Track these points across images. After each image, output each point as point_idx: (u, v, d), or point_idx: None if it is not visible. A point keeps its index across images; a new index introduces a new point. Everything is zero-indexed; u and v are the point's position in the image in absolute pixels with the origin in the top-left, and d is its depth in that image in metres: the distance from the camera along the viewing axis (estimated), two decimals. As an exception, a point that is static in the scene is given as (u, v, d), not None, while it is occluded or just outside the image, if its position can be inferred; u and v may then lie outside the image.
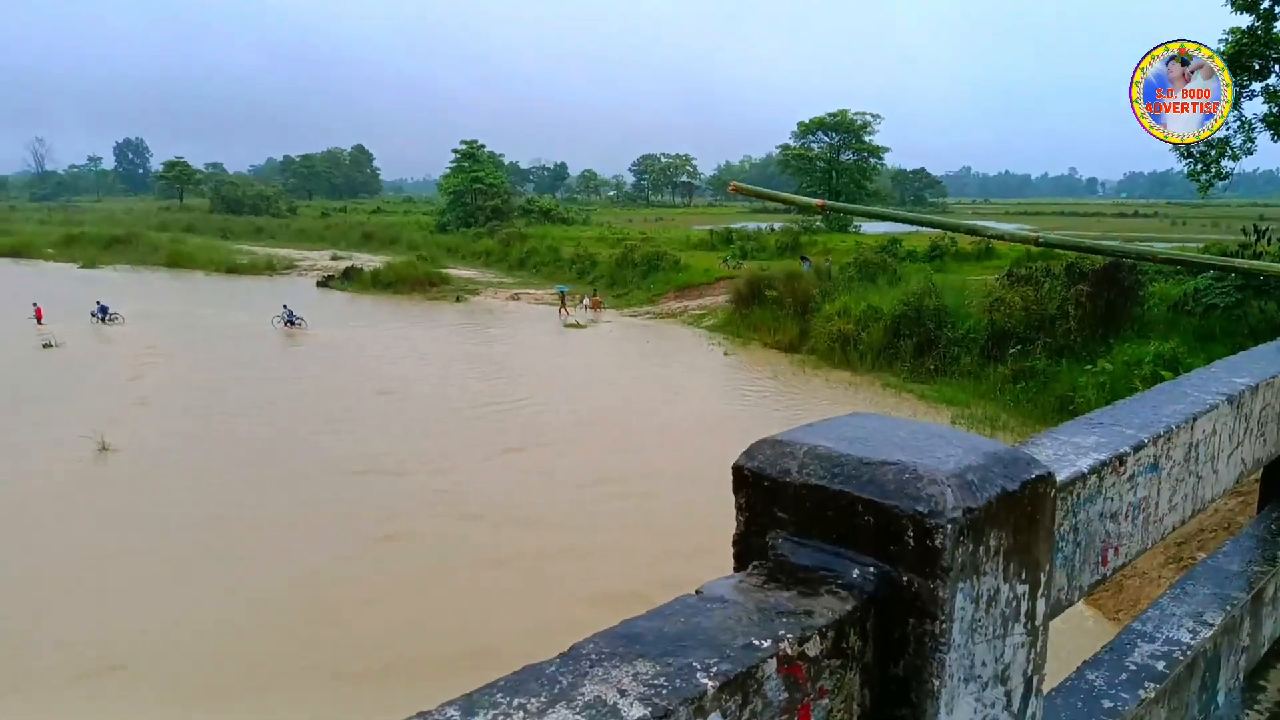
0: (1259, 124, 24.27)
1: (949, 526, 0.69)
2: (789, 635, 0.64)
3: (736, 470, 0.82)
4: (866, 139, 73.99)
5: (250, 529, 13.57)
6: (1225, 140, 24.65)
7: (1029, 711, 0.82)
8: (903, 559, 0.71)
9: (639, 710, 0.54)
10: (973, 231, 2.86)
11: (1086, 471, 1.01)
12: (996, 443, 0.83)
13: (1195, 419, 1.24)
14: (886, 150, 75.90)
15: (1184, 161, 25.48)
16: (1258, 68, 23.64)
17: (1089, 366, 19.85)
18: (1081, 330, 21.64)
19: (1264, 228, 21.64)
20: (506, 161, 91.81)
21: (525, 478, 16.14)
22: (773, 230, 53.95)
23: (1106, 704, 1.20)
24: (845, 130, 73.42)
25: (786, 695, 0.64)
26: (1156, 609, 1.47)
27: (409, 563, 12.53)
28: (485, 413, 20.99)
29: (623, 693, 0.56)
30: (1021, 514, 0.77)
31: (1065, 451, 1.06)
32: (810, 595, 0.70)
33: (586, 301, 37.41)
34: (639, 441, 18.43)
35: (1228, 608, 1.47)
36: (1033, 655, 0.82)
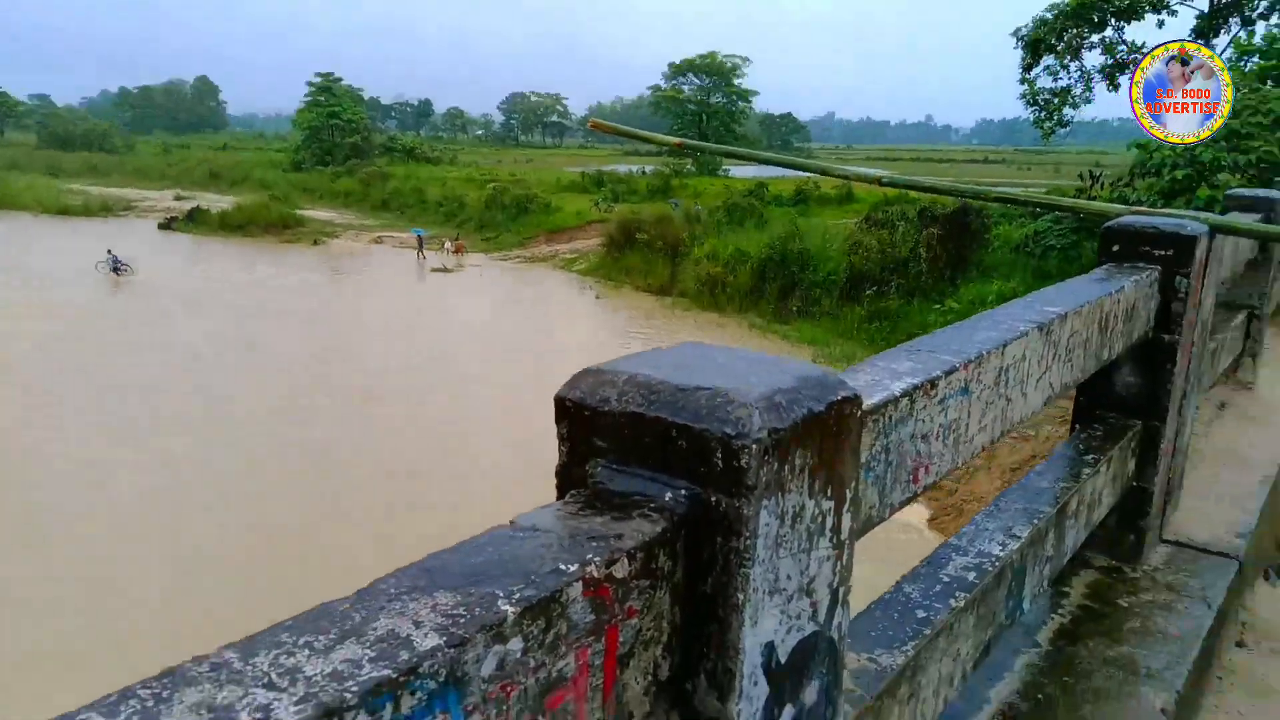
0: (1097, 75, 25.88)
1: (754, 446, 0.70)
2: (596, 559, 0.65)
3: (558, 401, 0.82)
4: (736, 83, 74.52)
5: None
6: (1066, 89, 26.21)
7: (835, 621, 0.86)
8: (712, 480, 0.72)
9: (433, 640, 0.53)
10: (824, 172, 2.92)
11: (899, 395, 1.06)
12: (808, 365, 0.85)
13: (1006, 345, 1.32)
14: (755, 94, 76.71)
15: (1030, 110, 26.97)
16: (1097, 20, 25.08)
17: (938, 306, 21.00)
18: (932, 272, 22.79)
19: (1098, 172, 23.20)
20: (367, 97, 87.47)
21: (387, 428, 15.78)
22: (644, 173, 53.82)
23: (920, 614, 1.28)
24: (715, 73, 73.66)
25: (593, 617, 0.64)
26: (972, 525, 1.57)
27: (260, 517, 12.11)
28: (338, 363, 20.28)
29: (418, 624, 0.55)
30: (828, 434, 0.80)
31: (881, 377, 1.11)
32: (622, 519, 0.71)
33: (449, 245, 36.28)
34: (505, 384, 18.29)
35: (1034, 521, 1.59)
36: (839, 568, 0.86)
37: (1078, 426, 2.17)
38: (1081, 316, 1.63)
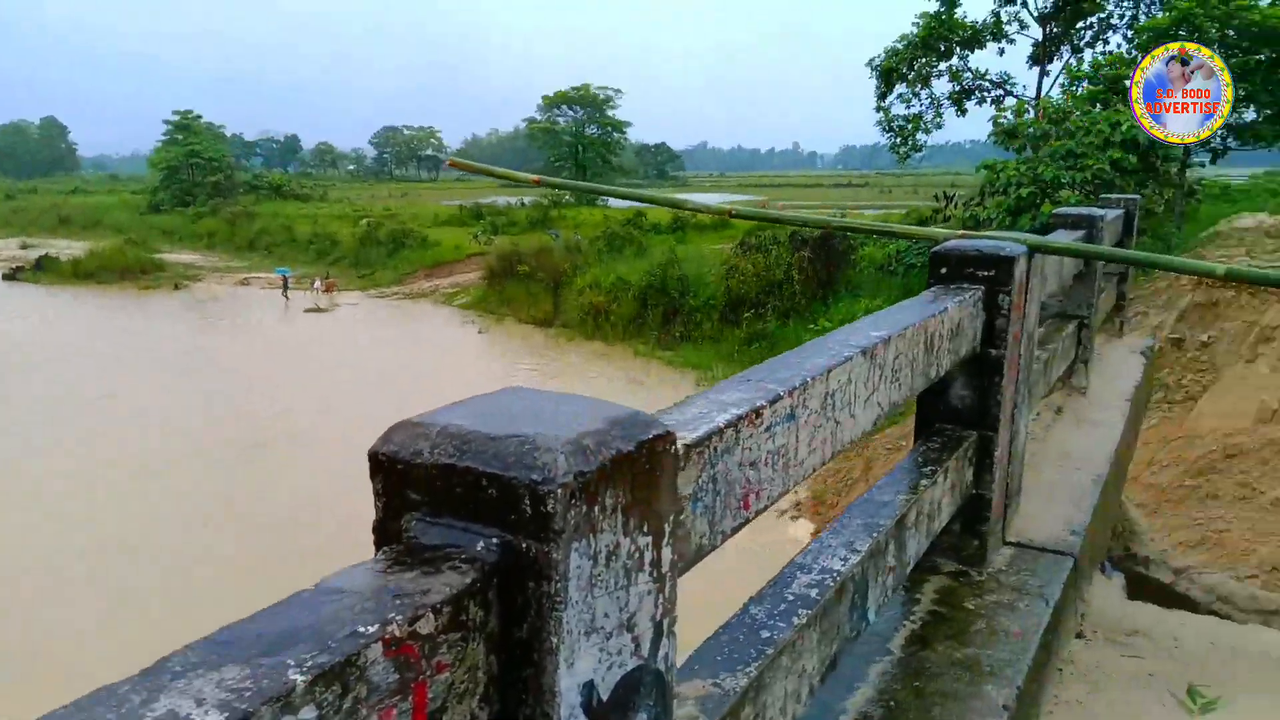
0: (946, 101, 27.51)
1: (559, 491, 0.72)
2: (398, 617, 0.65)
3: (372, 456, 0.82)
4: (609, 114, 75.60)
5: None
6: (919, 115, 27.74)
7: (661, 653, 0.89)
8: (521, 526, 0.74)
9: (214, 717, 0.53)
10: (675, 205, 2.99)
11: (723, 426, 1.10)
12: (621, 408, 0.88)
13: (830, 370, 1.39)
14: (629, 125, 78.00)
15: (886, 135, 28.41)
16: (943, 49, 26.71)
17: (811, 325, 21.75)
18: (805, 292, 23.61)
19: (952, 193, 24.59)
20: (229, 134, 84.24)
21: (259, 477, 15.09)
22: (523, 205, 53.77)
23: (765, 634, 1.32)
24: (588, 105, 74.54)
25: (397, 676, 0.64)
26: (818, 543, 1.64)
27: (126, 579, 11.35)
28: (203, 412, 19.32)
29: (200, 702, 0.54)
30: (640, 472, 0.83)
31: (709, 409, 1.15)
32: (432, 573, 0.71)
33: (319, 284, 35.05)
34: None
35: (874, 535, 1.68)
36: (661, 601, 0.88)
37: (918, 440, 2.29)
38: (906, 339, 1.73)
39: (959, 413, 2.31)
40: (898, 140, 27.28)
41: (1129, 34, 23.60)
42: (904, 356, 1.74)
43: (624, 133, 78.43)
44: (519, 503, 0.73)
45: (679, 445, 1.03)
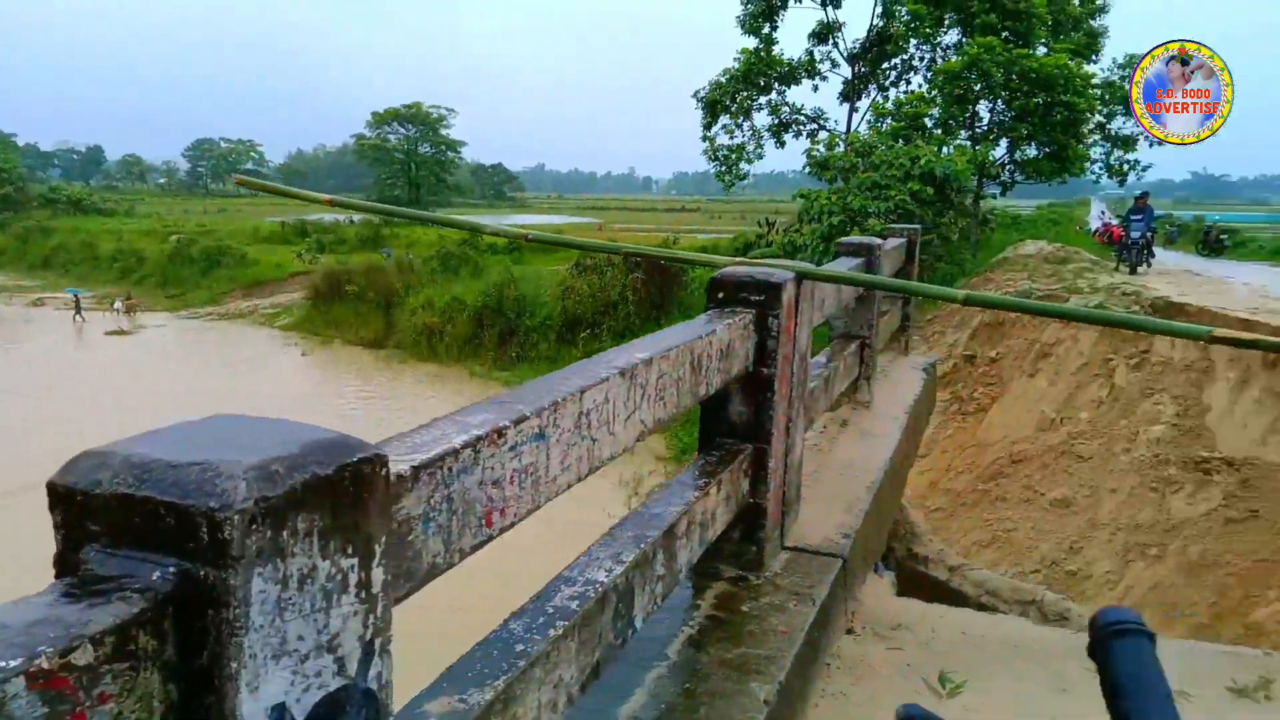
0: (766, 133, 28.89)
1: (237, 517, 0.73)
2: (48, 649, 0.64)
3: (50, 487, 0.80)
4: (443, 132, 74.51)
5: None
6: (741, 146, 28.99)
7: (372, 671, 0.91)
8: (199, 554, 0.74)
9: None
10: (475, 229, 3.02)
11: (460, 446, 1.13)
12: (327, 432, 0.89)
13: (584, 391, 1.46)
14: (463, 144, 77.15)
15: (712, 164, 29.51)
16: (763, 84, 28.07)
17: (647, 345, 22.23)
18: (639, 313, 24.10)
19: (774, 220, 25.83)
20: (21, 143, 76.83)
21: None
22: (353, 222, 51.95)
23: (520, 647, 1.36)
24: (420, 123, 73.16)
25: (46, 710, 0.63)
26: (587, 556, 1.70)
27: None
28: None
29: None
30: (342, 495, 0.85)
31: (449, 430, 1.18)
32: (99, 604, 0.70)
33: (119, 304, 32.45)
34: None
35: (642, 545, 1.75)
36: (372, 621, 0.90)
37: (700, 453, 2.41)
38: (670, 359, 1.83)
39: (736, 427, 2.45)
40: (723, 169, 28.40)
41: (928, 74, 25.66)
42: (668, 376, 1.83)
43: (459, 152, 77.49)
44: (196, 530, 0.73)
45: (407, 467, 1.06)
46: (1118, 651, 0.88)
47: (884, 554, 4.49)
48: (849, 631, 2.66)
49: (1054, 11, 24.46)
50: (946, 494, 11.16)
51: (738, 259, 2.55)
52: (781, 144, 28.15)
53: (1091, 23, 26.78)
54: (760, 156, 28.56)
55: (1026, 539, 9.91)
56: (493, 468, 1.21)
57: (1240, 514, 8.71)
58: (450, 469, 1.12)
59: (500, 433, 1.22)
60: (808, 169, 22.22)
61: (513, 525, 1.29)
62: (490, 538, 1.22)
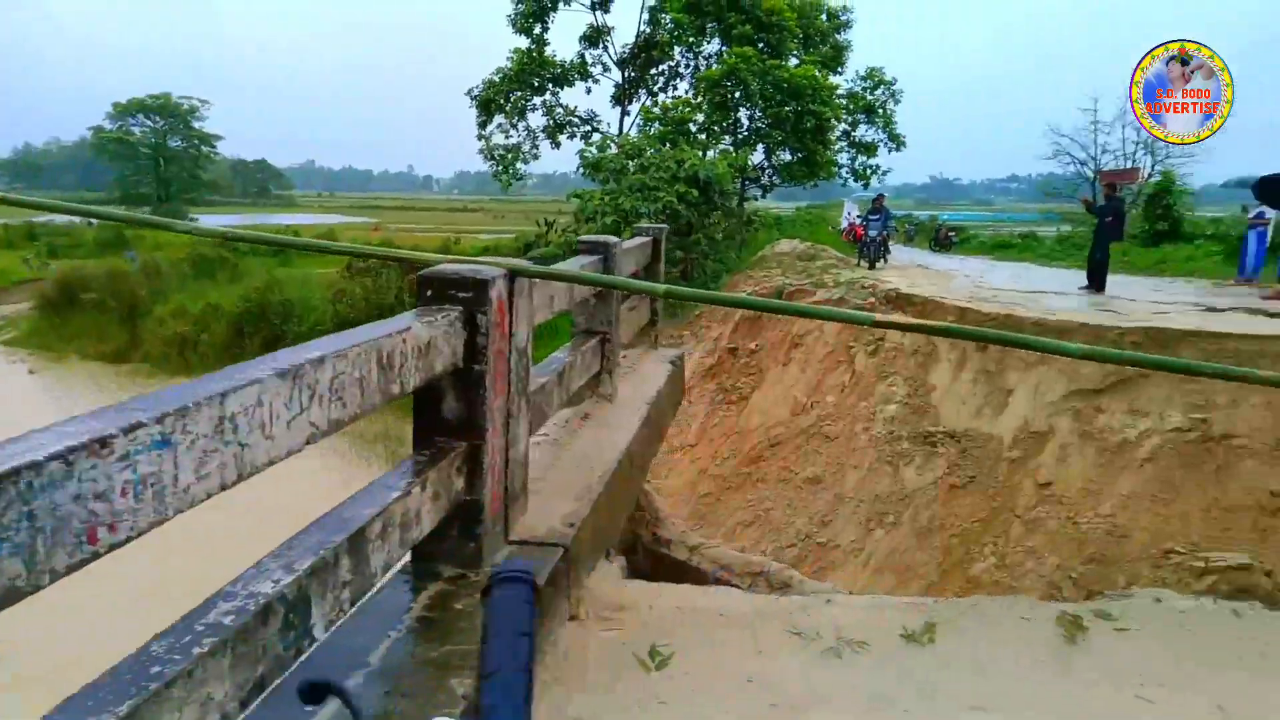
0: (541, 134, 29.02)
1: None
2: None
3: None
4: (197, 125, 68.72)
5: None
6: (517, 146, 28.97)
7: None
8: None
9: None
10: (167, 228, 2.79)
11: (44, 459, 1.05)
12: None
13: (225, 395, 1.40)
14: (219, 138, 71.55)
15: (489, 163, 29.27)
16: (536, 84, 28.16)
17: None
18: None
19: (552, 220, 25.98)
20: None
21: None
22: (91, 224, 46.71)
23: (157, 669, 1.29)
24: (170, 114, 67.04)
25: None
26: (256, 567, 1.63)
27: None
28: None
29: None
30: None
31: (45, 441, 1.10)
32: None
33: None
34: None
35: (321, 551, 1.71)
36: None
37: (414, 452, 2.38)
38: (348, 358, 1.79)
39: (450, 425, 2.45)
40: (500, 169, 28.25)
41: (693, 81, 26.84)
42: (347, 375, 1.79)
43: (214, 146, 71.74)
44: None
45: None
46: (495, 597, 1.03)
47: (632, 539, 4.66)
48: (573, 618, 2.73)
49: (804, 25, 26.35)
50: (714, 479, 11.73)
51: (450, 257, 2.55)
52: (557, 145, 28.41)
53: (837, 37, 29.09)
54: (536, 157, 28.70)
55: (783, 516, 10.62)
56: (95, 480, 1.13)
57: (961, 480, 9.80)
58: (33, 483, 1.04)
59: (104, 442, 1.15)
60: (582, 170, 22.56)
61: (129, 540, 1.21)
62: (97, 555, 1.14)
